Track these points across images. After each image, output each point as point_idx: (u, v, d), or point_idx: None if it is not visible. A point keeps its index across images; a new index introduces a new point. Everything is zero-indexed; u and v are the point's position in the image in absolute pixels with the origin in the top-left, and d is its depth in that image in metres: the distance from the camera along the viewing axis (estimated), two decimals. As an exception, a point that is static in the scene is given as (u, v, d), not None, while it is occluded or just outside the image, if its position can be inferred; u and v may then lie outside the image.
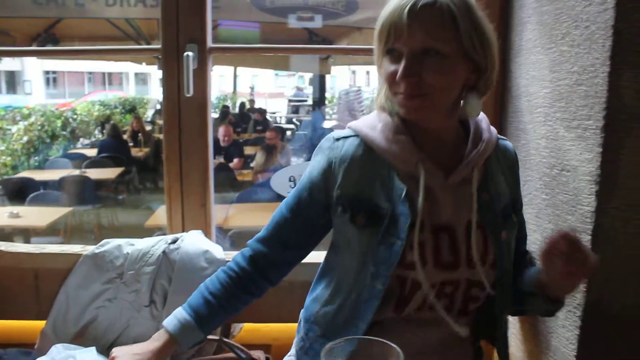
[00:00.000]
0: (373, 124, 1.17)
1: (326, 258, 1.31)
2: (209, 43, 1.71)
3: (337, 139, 1.19)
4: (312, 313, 1.28)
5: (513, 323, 1.69)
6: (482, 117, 1.22)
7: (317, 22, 4.28)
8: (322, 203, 1.19)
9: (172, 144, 1.74)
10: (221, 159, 6.21)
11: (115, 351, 1.23)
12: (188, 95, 1.68)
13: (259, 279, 1.26)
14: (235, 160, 6.45)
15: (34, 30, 4.83)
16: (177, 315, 1.24)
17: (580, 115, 1.32)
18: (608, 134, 1.24)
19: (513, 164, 1.26)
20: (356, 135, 1.18)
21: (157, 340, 1.23)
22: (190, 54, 1.66)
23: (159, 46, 1.70)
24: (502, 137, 1.28)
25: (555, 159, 1.43)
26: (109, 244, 1.68)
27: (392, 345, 0.81)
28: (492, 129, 1.23)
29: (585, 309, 1.32)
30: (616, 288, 1.31)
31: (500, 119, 1.77)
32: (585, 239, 1.30)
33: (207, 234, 1.77)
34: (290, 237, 1.24)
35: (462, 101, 1.14)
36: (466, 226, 1.13)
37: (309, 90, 17.06)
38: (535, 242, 1.55)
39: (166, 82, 1.71)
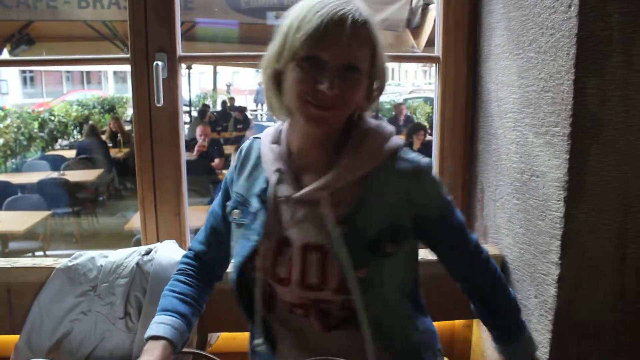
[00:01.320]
0: (274, 128, 1.21)
1: None
2: (179, 52, 1.69)
3: (248, 142, 1.26)
4: None
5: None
6: (378, 132, 1.13)
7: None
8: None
9: (145, 155, 1.73)
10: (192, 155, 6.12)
11: None
12: (159, 105, 1.66)
13: (209, 269, 1.32)
14: (217, 160, 6.41)
15: (7, 31, 4.74)
16: (164, 321, 1.19)
17: (548, 122, 1.33)
18: (575, 140, 1.25)
19: (410, 187, 1.11)
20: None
21: (155, 350, 1.14)
22: (160, 63, 1.64)
23: (128, 55, 1.69)
24: (411, 157, 1.14)
25: (525, 164, 1.45)
26: (82, 256, 1.66)
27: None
28: (389, 144, 1.12)
29: (556, 313, 1.34)
30: (586, 292, 1.33)
31: (471, 123, 1.78)
32: (555, 244, 1.32)
33: (182, 243, 1.77)
34: (224, 233, 1.27)
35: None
36: (302, 247, 1.11)
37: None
38: (507, 247, 1.57)
39: (136, 92, 1.69)
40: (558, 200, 1.30)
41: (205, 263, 1.32)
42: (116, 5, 3.91)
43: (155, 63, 1.64)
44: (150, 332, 1.17)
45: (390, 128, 1.15)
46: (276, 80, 1.09)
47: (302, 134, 1.11)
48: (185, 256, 1.34)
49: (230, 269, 1.26)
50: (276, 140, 1.17)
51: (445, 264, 1.25)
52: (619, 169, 1.26)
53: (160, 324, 1.18)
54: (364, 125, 1.13)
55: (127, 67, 1.71)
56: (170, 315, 1.20)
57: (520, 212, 1.49)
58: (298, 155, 1.13)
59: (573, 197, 1.28)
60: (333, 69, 1.00)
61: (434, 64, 1.80)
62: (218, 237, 1.29)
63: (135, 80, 1.69)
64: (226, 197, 1.26)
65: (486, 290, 1.26)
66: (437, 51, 1.76)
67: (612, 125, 1.24)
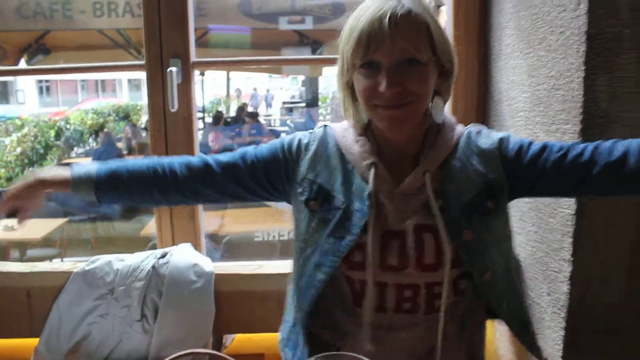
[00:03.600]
0: (344, 124, 1.20)
1: None
2: (193, 57, 1.72)
3: (321, 128, 1.21)
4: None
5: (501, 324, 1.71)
6: (447, 122, 1.17)
7: (308, 24, 4.28)
8: (283, 168, 1.19)
9: (160, 159, 1.75)
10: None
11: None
12: (173, 110, 1.69)
13: (181, 181, 1.19)
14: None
15: (24, 41, 4.82)
16: (88, 167, 1.18)
17: (558, 120, 1.34)
18: (585, 137, 1.25)
19: (485, 146, 1.14)
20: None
21: (57, 173, 1.17)
22: (174, 69, 1.67)
23: (142, 62, 1.72)
24: (474, 125, 1.20)
25: (536, 162, 1.45)
26: (99, 260, 1.70)
27: (363, 358, 0.82)
28: (458, 129, 1.17)
29: (569, 310, 1.34)
30: (598, 289, 1.33)
31: (483, 123, 1.78)
32: (567, 241, 1.32)
33: (197, 246, 1.79)
34: (241, 176, 1.19)
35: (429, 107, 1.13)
36: (414, 230, 1.11)
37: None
38: (520, 245, 1.57)
39: (151, 97, 1.72)
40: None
41: (193, 173, 1.19)
42: (130, 14, 3.97)
43: (169, 69, 1.67)
44: (76, 165, 1.18)
45: (453, 119, 1.19)
46: (350, 90, 1.12)
47: (387, 137, 1.13)
48: (188, 160, 1.22)
49: (310, 267, 1.16)
50: (362, 134, 1.15)
51: (583, 176, 1.08)
52: (631, 165, 1.26)
53: (85, 167, 1.18)
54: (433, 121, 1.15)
55: (140, 75, 1.74)
56: (95, 171, 1.17)
57: (531, 210, 1.49)
58: (385, 150, 1.14)
59: (585, 194, 1.29)
60: (389, 68, 1.02)
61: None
62: (233, 174, 1.19)
63: (150, 86, 1.72)
64: (279, 162, 1.18)
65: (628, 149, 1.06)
66: (448, 52, 1.77)
67: (622, 121, 1.24)
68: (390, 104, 1.03)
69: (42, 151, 8.74)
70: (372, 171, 1.10)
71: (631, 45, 1.22)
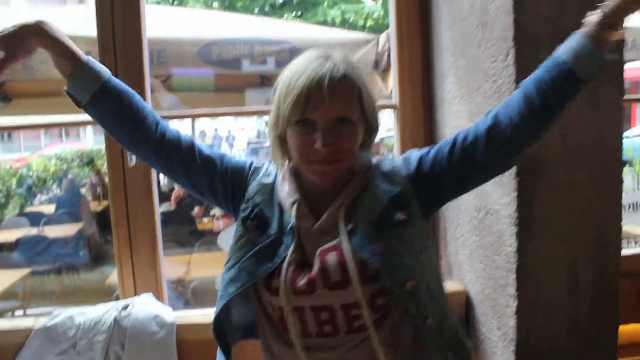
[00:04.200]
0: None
1: None
2: (149, 111, 1.77)
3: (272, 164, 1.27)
4: None
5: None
6: (365, 161, 1.22)
7: (270, 65, 4.35)
8: (243, 184, 1.25)
9: (120, 212, 1.78)
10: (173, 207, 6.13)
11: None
12: (132, 165, 1.73)
13: (165, 144, 1.21)
14: (197, 209, 6.42)
15: (-17, 90, 4.79)
16: (103, 67, 1.16)
17: (497, 163, 1.42)
18: (522, 178, 1.34)
19: (387, 167, 1.20)
20: None
21: (71, 43, 1.14)
22: (131, 123, 1.71)
23: (100, 118, 1.75)
24: (381, 155, 1.29)
25: (480, 202, 1.53)
26: (61, 315, 1.70)
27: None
28: (372, 167, 1.22)
29: (517, 343, 1.40)
30: (543, 322, 1.40)
31: (431, 165, 1.86)
32: (511, 277, 1.39)
33: (159, 296, 1.80)
34: (213, 173, 1.24)
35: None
36: (319, 254, 1.16)
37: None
38: (470, 282, 1.64)
39: (110, 152, 1.76)
40: (511, 236, 1.38)
41: (170, 138, 1.21)
42: (91, 63, 3.99)
43: (126, 124, 1.71)
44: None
45: (368, 159, 1.23)
46: (281, 141, 1.17)
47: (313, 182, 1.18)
48: (175, 131, 1.24)
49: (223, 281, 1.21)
50: (291, 173, 1.21)
51: (475, 154, 1.14)
52: (563, 203, 1.35)
53: (97, 63, 1.16)
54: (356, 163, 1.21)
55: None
56: (105, 71, 1.15)
57: (479, 249, 1.56)
58: (309, 189, 1.19)
59: (524, 232, 1.36)
60: (324, 127, 1.09)
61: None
62: (206, 169, 1.23)
63: (107, 140, 1.76)
64: (243, 177, 1.24)
65: (508, 108, 1.12)
66: (395, 99, 1.86)
67: (552, 162, 1.33)
68: (325, 160, 1.10)
69: (2, 200, 8.56)
70: (295, 208, 1.17)
71: (556, 93, 1.32)
